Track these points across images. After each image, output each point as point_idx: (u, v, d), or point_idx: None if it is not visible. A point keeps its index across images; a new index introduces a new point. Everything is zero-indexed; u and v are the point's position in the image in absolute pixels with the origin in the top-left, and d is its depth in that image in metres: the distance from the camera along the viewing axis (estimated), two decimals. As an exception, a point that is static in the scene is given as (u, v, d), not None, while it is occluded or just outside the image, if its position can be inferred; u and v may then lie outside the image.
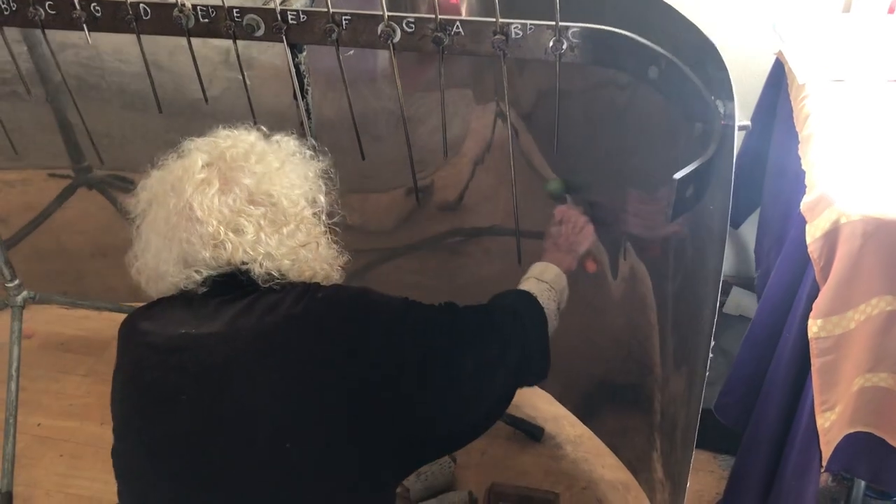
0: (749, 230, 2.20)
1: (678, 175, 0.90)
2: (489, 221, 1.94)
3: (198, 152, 1.22)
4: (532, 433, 2.05)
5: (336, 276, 1.29)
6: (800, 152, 1.47)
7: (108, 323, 2.17)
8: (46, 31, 1.46)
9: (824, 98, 1.53)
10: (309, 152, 1.33)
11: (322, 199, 1.29)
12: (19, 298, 2.06)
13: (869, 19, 1.92)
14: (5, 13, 1.44)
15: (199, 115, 1.86)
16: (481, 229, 1.97)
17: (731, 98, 0.97)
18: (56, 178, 2.34)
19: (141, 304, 1.25)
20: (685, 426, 1.32)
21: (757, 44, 2.03)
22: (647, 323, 1.54)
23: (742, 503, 1.62)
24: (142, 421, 1.14)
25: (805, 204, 1.32)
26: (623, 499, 1.89)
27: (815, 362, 1.34)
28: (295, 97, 1.45)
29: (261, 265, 1.18)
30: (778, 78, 1.88)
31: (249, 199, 1.19)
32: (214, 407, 1.10)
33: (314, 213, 1.27)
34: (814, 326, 1.32)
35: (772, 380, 1.46)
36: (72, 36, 1.74)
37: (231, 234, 1.17)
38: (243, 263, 1.18)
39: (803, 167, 1.42)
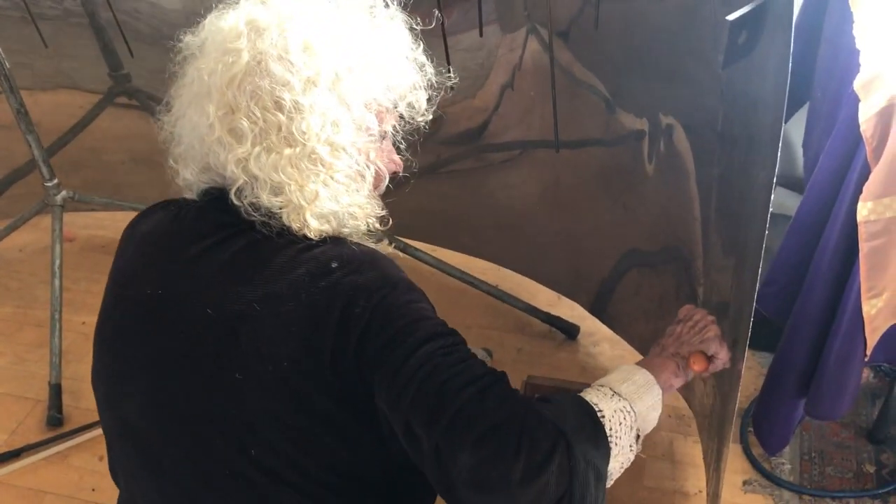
0: (796, 129, 2.13)
1: (731, 16, 0.86)
2: (523, 137, 1.89)
3: (254, 7, 0.98)
4: (568, 331, 2.05)
5: (363, 228, 1.02)
6: (854, 32, 1.40)
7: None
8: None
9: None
10: (415, 54, 1.04)
11: (379, 125, 1.00)
12: (59, 198, 2.08)
13: None
14: None
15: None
16: (512, 143, 1.92)
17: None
18: (94, 91, 2.34)
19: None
20: (736, 316, 1.29)
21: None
22: (688, 213, 1.50)
23: (781, 396, 1.61)
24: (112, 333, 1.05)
25: (859, 81, 1.27)
26: (660, 395, 1.88)
27: (864, 247, 1.30)
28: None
29: (250, 190, 0.96)
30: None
31: (260, 95, 0.93)
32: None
33: (354, 141, 0.97)
34: (863, 209, 1.27)
35: (817, 267, 1.43)
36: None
37: (227, 136, 0.95)
38: (233, 180, 0.96)
39: (858, 46, 1.36)
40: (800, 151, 2.05)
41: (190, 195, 1.04)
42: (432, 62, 1.07)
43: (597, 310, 2.04)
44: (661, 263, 1.72)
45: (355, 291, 0.91)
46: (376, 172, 1.03)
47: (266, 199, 0.95)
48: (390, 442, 0.95)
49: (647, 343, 1.88)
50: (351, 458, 0.97)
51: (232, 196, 0.96)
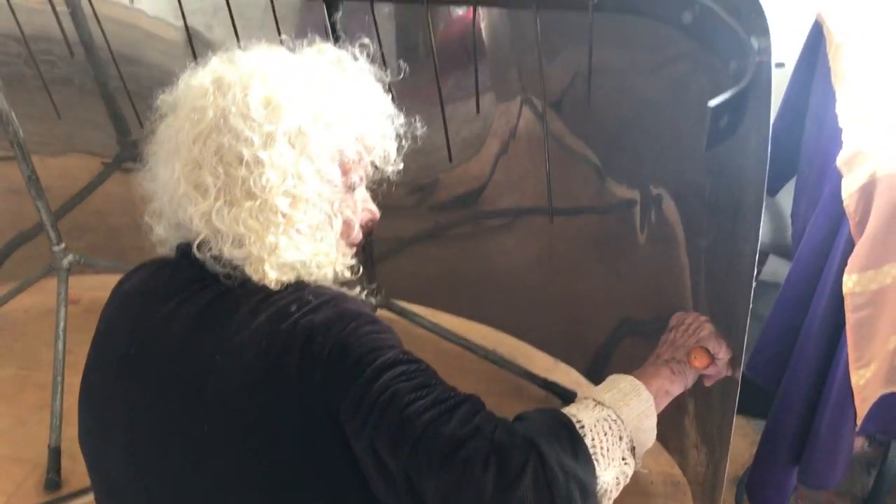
0: (786, 198, 2.18)
1: (712, 102, 0.91)
2: (518, 204, 1.95)
3: (221, 65, 1.02)
4: (565, 396, 2.06)
5: (330, 276, 1.03)
6: (837, 110, 1.46)
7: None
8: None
9: (863, 56, 1.51)
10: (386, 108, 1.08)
11: (345, 176, 1.03)
12: (65, 262, 2.12)
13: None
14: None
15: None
16: (508, 210, 1.97)
17: (767, 33, 0.97)
18: (102, 155, 2.40)
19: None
20: (724, 385, 1.32)
21: (796, 4, 2.01)
22: (679, 281, 1.53)
23: (773, 464, 1.62)
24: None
25: (842, 158, 1.31)
26: (655, 460, 1.89)
27: (850, 318, 1.33)
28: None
29: (215, 244, 0.98)
30: (816, 42, 1.86)
31: (223, 152, 0.96)
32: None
33: (319, 192, 0.99)
34: (849, 281, 1.31)
35: (806, 337, 1.46)
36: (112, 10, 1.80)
37: (193, 191, 0.97)
38: (197, 234, 0.99)
39: (840, 125, 1.41)
40: (789, 221, 2.10)
41: (163, 251, 1.06)
42: (418, 121, 1.13)
43: (593, 376, 2.06)
44: (654, 331, 1.75)
45: (313, 329, 0.91)
46: (344, 222, 1.05)
47: (228, 251, 0.97)
48: (372, 493, 0.93)
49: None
50: None
51: (195, 249, 0.99)
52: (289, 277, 0.98)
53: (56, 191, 2.30)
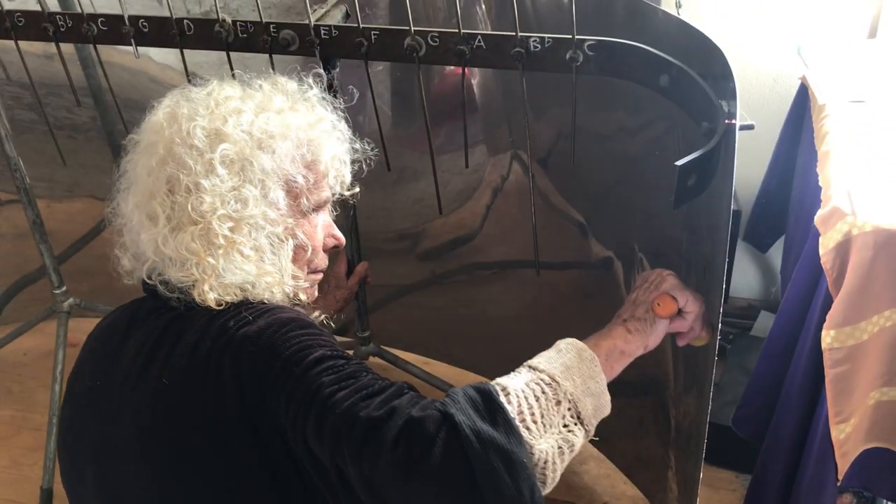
0: (777, 255, 2.22)
1: (679, 162, 0.95)
2: (507, 255, 1.99)
3: (174, 100, 1.08)
4: (555, 448, 2.07)
5: (278, 296, 1.04)
6: (817, 169, 1.50)
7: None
8: (98, 46, 1.56)
9: (843, 117, 1.56)
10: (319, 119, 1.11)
11: (294, 201, 1.06)
12: (66, 305, 2.15)
13: (894, 44, 1.95)
14: (62, 29, 1.54)
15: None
16: (498, 262, 2.01)
17: (734, 97, 1.02)
18: (106, 200, 2.45)
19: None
20: (695, 433, 1.34)
21: (783, 67, 2.07)
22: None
23: (760, 519, 1.63)
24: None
25: (819, 216, 1.35)
26: (643, 515, 1.90)
27: (829, 373, 1.35)
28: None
29: (163, 269, 1.02)
30: (803, 103, 1.91)
31: (171, 181, 1.01)
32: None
33: (265, 214, 1.03)
34: (827, 337, 1.33)
35: (788, 391, 1.48)
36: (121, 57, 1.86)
37: (146, 220, 1.02)
38: (154, 268, 1.03)
39: (820, 183, 1.44)
40: (780, 278, 2.13)
41: (130, 282, 1.09)
42: (368, 144, 1.19)
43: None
44: (640, 385, 1.77)
45: (245, 340, 0.92)
46: (298, 246, 1.07)
47: (174, 276, 1.00)
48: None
49: (631, 462, 1.92)
50: None
51: (144, 275, 1.03)
52: (233, 298, 0.99)
53: (61, 235, 2.35)
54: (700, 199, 1.04)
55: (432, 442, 0.80)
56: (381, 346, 2.02)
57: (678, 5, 2.01)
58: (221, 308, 0.98)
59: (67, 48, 1.82)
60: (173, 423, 0.95)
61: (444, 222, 1.94)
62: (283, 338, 0.92)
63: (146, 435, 0.97)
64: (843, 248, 1.29)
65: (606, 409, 0.97)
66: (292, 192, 1.06)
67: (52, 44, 1.57)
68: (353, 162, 1.16)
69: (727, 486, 1.95)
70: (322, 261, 1.14)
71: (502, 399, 0.86)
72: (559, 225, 1.70)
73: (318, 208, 1.12)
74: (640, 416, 1.79)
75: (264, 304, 1.00)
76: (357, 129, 1.68)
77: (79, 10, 1.53)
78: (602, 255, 1.66)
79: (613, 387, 1.88)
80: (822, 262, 1.31)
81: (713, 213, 1.10)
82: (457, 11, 1.31)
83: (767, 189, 2.10)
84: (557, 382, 0.91)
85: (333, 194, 1.15)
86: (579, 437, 0.92)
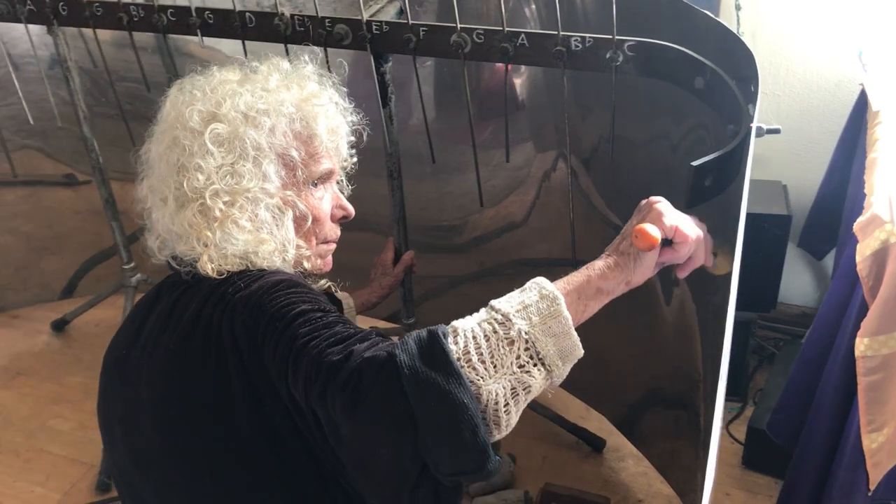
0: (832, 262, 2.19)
1: (695, 162, 0.96)
2: (550, 254, 2.01)
3: (177, 90, 1.15)
4: (594, 443, 2.09)
5: (277, 262, 1.09)
6: (864, 176, 1.48)
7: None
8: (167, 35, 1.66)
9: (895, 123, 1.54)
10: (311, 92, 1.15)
11: (292, 172, 1.11)
12: (133, 280, 2.28)
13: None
14: (134, 19, 1.64)
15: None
16: (544, 259, 2.04)
17: (755, 101, 1.03)
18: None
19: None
20: (704, 432, 1.34)
21: (846, 72, 2.04)
22: (692, 336, 1.57)
23: (792, 524, 1.62)
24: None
25: (858, 223, 1.34)
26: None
27: (862, 381, 1.34)
28: (379, 104, 1.58)
29: (171, 244, 1.09)
30: (862, 109, 1.88)
31: (175, 164, 1.08)
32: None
33: (262, 188, 1.08)
34: (860, 345, 1.32)
35: (821, 398, 1.47)
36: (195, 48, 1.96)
37: (158, 201, 1.09)
38: (164, 244, 1.10)
39: (864, 190, 1.43)
40: (831, 285, 2.10)
41: (156, 261, 1.14)
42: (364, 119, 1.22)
43: (624, 426, 2.08)
44: (675, 386, 1.78)
45: (238, 303, 0.97)
46: (297, 216, 1.12)
47: (180, 250, 1.07)
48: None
49: (667, 461, 1.92)
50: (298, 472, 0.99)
51: (156, 251, 1.10)
52: (234, 267, 1.04)
53: (133, 214, 2.47)
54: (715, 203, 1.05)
55: (374, 382, 0.82)
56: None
57: (738, 7, 2.00)
58: (223, 277, 1.03)
59: (147, 38, 1.94)
60: (180, 386, 1.02)
61: (491, 215, 1.98)
62: (270, 297, 0.96)
63: (158, 397, 1.05)
64: (881, 256, 1.28)
65: (577, 351, 0.89)
66: (288, 166, 1.11)
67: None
68: (349, 133, 1.21)
69: (765, 491, 1.94)
70: (331, 231, 1.19)
71: (449, 340, 0.85)
72: (600, 225, 1.72)
73: (321, 180, 1.17)
74: (676, 415, 1.81)
75: (263, 271, 1.04)
76: (404, 121, 1.74)
77: (151, 2, 1.61)
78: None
79: (651, 385, 1.91)
80: (858, 269, 1.31)
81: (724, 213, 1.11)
82: (502, 10, 1.35)
83: (824, 195, 2.08)
84: (511, 321, 0.86)
85: (344, 167, 1.20)
86: (538, 379, 0.87)
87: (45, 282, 2.75)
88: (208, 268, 1.03)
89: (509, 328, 0.86)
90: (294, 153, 1.11)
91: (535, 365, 0.86)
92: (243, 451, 0.99)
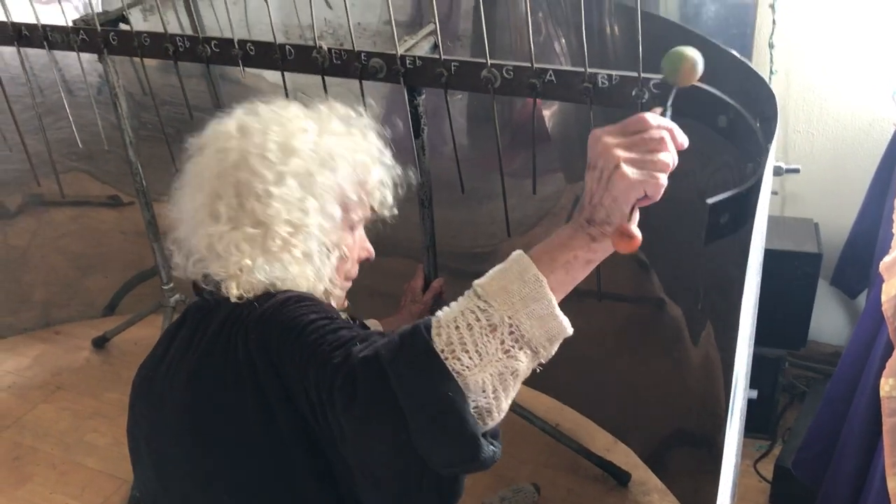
0: (868, 301, 2.17)
1: (711, 200, 0.98)
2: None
3: (244, 114, 1.17)
4: (619, 477, 2.08)
5: (321, 287, 1.14)
6: (893, 215, 1.48)
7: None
8: (211, 65, 1.72)
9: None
10: (375, 148, 1.22)
11: (345, 214, 1.16)
12: (172, 300, 2.34)
13: None
14: (180, 49, 1.71)
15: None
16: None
17: (771, 140, 1.05)
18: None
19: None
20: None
21: (880, 111, 2.04)
22: (717, 374, 1.57)
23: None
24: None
25: (884, 263, 1.35)
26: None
27: (887, 422, 1.34)
28: (412, 135, 1.62)
29: (207, 262, 1.10)
30: (895, 150, 1.88)
31: (240, 186, 1.10)
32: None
33: (321, 225, 1.12)
34: (886, 385, 1.32)
35: (846, 438, 1.46)
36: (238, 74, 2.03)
37: (207, 218, 1.11)
38: (200, 261, 1.11)
39: (893, 230, 1.43)
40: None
41: (179, 275, 1.16)
42: (411, 171, 1.28)
43: (650, 459, 2.08)
44: (702, 423, 1.78)
45: (252, 321, 1.01)
46: (340, 256, 1.17)
47: (213, 270, 1.09)
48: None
49: (691, 496, 1.91)
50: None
51: (189, 265, 1.12)
52: (256, 292, 1.06)
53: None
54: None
55: (365, 380, 0.85)
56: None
57: (771, 46, 2.01)
58: (241, 301, 1.06)
59: (192, 65, 2.01)
60: (200, 404, 1.05)
61: (521, 244, 1.99)
62: (282, 312, 1.00)
63: (179, 416, 1.08)
64: (906, 297, 1.28)
65: (564, 331, 0.88)
66: (344, 208, 1.17)
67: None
68: (393, 185, 1.26)
69: (792, 531, 1.92)
70: (355, 270, 1.25)
71: (432, 333, 0.85)
72: (625, 258, 1.74)
73: (360, 224, 1.23)
74: (701, 452, 1.80)
75: (279, 293, 1.08)
76: (436, 148, 1.77)
77: (196, 34, 1.68)
78: (659, 293, 1.69)
79: (678, 420, 1.90)
80: (883, 308, 1.31)
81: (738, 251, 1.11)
82: (531, 46, 1.38)
83: (857, 234, 2.06)
84: (491, 306, 0.85)
85: (374, 212, 1.25)
86: (524, 362, 0.86)
87: (89, 299, 2.83)
88: (233, 292, 1.06)
89: (490, 315, 0.85)
90: (353, 197, 1.17)
91: (520, 349, 0.85)
92: (262, 467, 1.02)
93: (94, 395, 2.52)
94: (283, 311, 1.01)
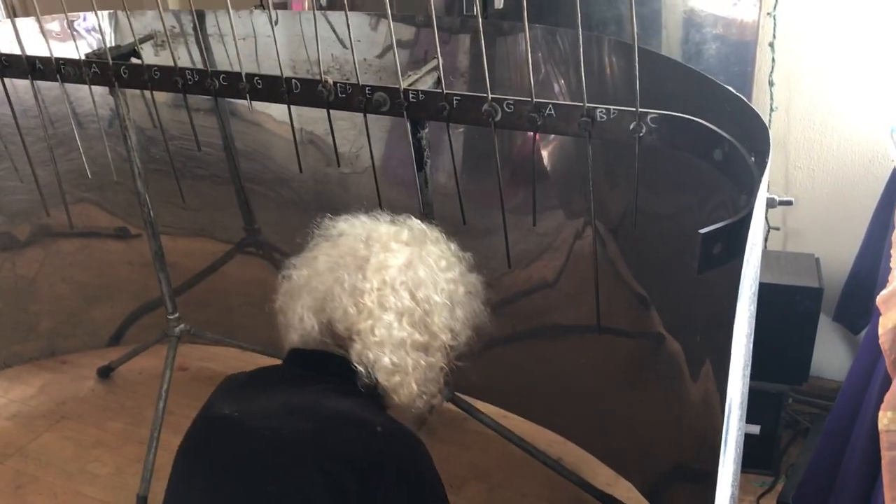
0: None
1: (703, 230, 1.00)
2: (578, 320, 2.05)
3: (401, 227, 1.35)
4: (622, 512, 2.07)
5: (420, 406, 1.30)
6: (891, 251, 1.50)
7: (256, 364, 2.49)
8: (220, 100, 1.76)
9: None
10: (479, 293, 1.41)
11: (459, 337, 1.34)
12: (177, 330, 2.36)
13: None
14: (189, 82, 1.75)
15: (333, 183, 2.11)
16: (566, 326, 2.09)
17: (763, 171, 1.06)
18: (227, 241, 2.68)
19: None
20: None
21: (880, 148, 2.06)
22: (716, 411, 1.56)
23: None
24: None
25: (881, 296, 1.35)
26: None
27: (885, 455, 1.33)
28: (415, 168, 1.65)
29: (365, 350, 1.24)
30: (894, 187, 1.89)
31: (412, 292, 1.27)
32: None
33: (445, 345, 1.31)
34: (884, 419, 1.32)
35: (846, 472, 1.46)
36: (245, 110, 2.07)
37: (374, 304, 1.24)
38: (350, 339, 1.24)
39: (891, 264, 1.45)
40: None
41: (296, 338, 1.30)
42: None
43: (651, 494, 2.07)
44: (703, 459, 1.77)
45: (391, 461, 1.13)
46: (444, 372, 1.33)
47: (356, 349, 1.23)
48: None
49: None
50: None
51: (313, 335, 1.25)
52: (369, 382, 1.22)
53: (180, 267, 2.58)
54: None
55: None
56: (456, 393, 2.10)
57: (771, 84, 2.04)
58: (327, 384, 1.22)
59: (201, 100, 2.06)
60: (266, 464, 1.12)
61: (522, 277, 2.02)
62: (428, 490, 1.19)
63: (245, 468, 1.13)
64: (902, 330, 1.28)
65: None
66: (453, 334, 1.33)
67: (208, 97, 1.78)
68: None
69: (795, 569, 1.90)
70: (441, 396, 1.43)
71: None
72: (626, 293, 1.75)
73: None
74: (703, 487, 1.79)
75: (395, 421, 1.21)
76: (437, 182, 1.80)
77: (205, 67, 1.72)
78: (658, 328, 1.69)
79: (679, 456, 1.89)
80: (880, 342, 1.31)
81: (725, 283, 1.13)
82: (530, 81, 1.41)
83: (859, 269, 2.08)
84: None
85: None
86: None
87: (95, 329, 2.85)
88: (360, 369, 1.22)
89: None
90: (458, 326, 1.34)
91: None
92: None
93: (98, 424, 2.53)
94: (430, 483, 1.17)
